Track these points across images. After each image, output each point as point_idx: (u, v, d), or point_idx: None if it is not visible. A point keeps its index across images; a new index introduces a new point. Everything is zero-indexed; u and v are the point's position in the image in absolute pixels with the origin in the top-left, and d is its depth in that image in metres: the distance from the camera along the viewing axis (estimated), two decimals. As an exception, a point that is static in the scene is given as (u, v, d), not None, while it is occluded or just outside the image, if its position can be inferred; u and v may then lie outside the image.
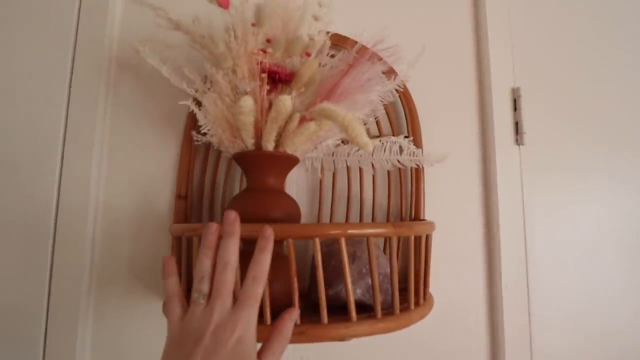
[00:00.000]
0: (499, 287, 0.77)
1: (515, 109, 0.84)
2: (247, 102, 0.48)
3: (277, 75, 0.57)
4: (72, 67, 0.74)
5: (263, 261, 0.43)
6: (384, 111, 0.75)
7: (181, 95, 0.63)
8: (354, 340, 0.50)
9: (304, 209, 0.76)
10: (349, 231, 0.50)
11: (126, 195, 0.74)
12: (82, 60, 0.75)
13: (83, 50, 0.75)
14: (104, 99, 0.75)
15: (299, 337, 0.47)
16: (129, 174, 0.74)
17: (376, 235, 0.52)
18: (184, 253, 0.57)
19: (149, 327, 0.70)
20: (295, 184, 0.76)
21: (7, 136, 0.71)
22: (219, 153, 0.75)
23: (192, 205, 0.73)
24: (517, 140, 0.83)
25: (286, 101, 0.50)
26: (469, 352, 0.77)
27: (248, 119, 0.51)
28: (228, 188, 0.74)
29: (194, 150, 0.73)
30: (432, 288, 0.70)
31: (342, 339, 0.48)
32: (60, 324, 0.67)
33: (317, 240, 0.49)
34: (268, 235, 0.45)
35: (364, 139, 0.44)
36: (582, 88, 0.90)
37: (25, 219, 0.69)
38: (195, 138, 0.68)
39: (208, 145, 0.74)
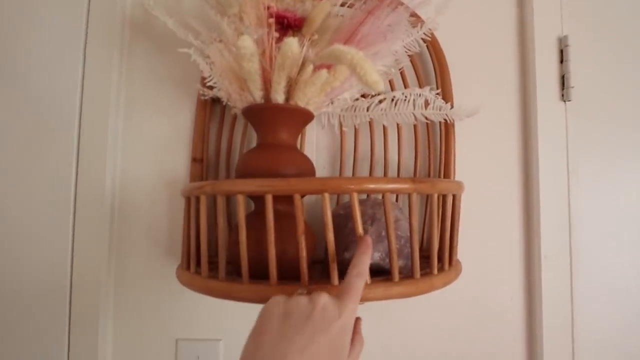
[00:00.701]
0: (538, 257, 0.70)
1: (562, 61, 0.74)
2: (246, 43, 0.44)
3: (285, 21, 0.52)
4: (87, 30, 0.73)
5: (365, 261, 0.43)
6: (409, 63, 0.69)
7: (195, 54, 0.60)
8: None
9: (324, 170, 0.72)
10: (363, 185, 0.45)
11: (143, 160, 0.73)
12: (96, 23, 0.73)
13: (97, 12, 0.73)
14: (119, 61, 0.73)
15: (305, 298, 0.43)
16: (146, 138, 0.73)
17: (393, 191, 0.47)
18: (193, 212, 0.55)
19: (167, 290, 0.70)
20: (315, 145, 0.72)
21: (24, 104, 0.71)
22: (235, 115, 0.71)
23: (209, 168, 0.71)
24: (562, 95, 0.74)
25: (292, 43, 0.45)
26: (502, 327, 0.71)
27: (252, 66, 0.47)
28: (245, 149, 0.71)
29: (210, 112, 0.71)
30: (463, 255, 0.65)
31: (352, 301, 0.44)
32: (83, 293, 0.68)
33: (327, 196, 0.45)
34: (368, 243, 0.45)
35: (374, 76, 0.39)
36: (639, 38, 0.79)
37: (45, 187, 0.69)
38: (202, 92, 0.65)
39: (224, 107, 0.71)
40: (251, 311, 0.68)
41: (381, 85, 0.40)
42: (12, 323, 0.67)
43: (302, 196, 0.51)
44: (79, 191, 0.70)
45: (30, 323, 0.67)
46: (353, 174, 0.69)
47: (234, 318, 0.70)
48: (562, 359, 0.69)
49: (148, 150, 0.73)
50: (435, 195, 0.51)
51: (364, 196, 0.67)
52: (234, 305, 0.69)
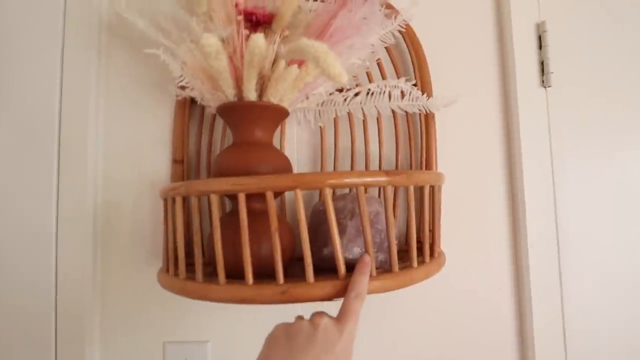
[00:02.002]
0: (525, 245, 0.70)
1: (540, 47, 0.74)
2: (210, 41, 0.43)
3: (254, 17, 0.52)
4: (64, 35, 0.72)
5: (363, 282, 0.44)
6: (386, 54, 0.68)
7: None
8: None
9: (305, 167, 0.72)
10: (335, 180, 0.45)
11: (124, 163, 0.72)
12: (72, 28, 0.72)
13: (73, 16, 0.72)
14: (97, 65, 0.72)
15: (280, 297, 0.43)
16: (126, 140, 0.73)
17: (367, 185, 0.46)
18: (170, 214, 0.55)
19: (153, 293, 0.69)
20: (296, 141, 0.72)
21: (3, 110, 0.70)
22: (214, 115, 0.71)
23: (190, 169, 0.71)
24: (543, 81, 0.73)
25: (259, 40, 0.45)
26: (492, 316, 0.71)
27: (220, 64, 0.47)
28: (225, 150, 0.70)
29: (189, 112, 0.70)
30: (450, 246, 0.65)
31: (328, 298, 0.44)
32: (68, 299, 0.67)
33: (299, 192, 0.45)
34: (367, 262, 0.46)
35: (337, 69, 0.39)
36: (618, 20, 0.77)
37: (26, 194, 0.69)
38: (175, 93, 0.64)
39: (203, 107, 0.71)
40: (236, 312, 0.69)
41: (344, 78, 0.39)
42: (-2, 333, 0.67)
43: (277, 194, 0.50)
44: (60, 197, 0.69)
45: (17, 331, 0.67)
46: (334, 169, 0.69)
47: (222, 319, 0.69)
48: (553, 346, 0.69)
49: (129, 153, 0.72)
50: (412, 187, 0.50)
51: (347, 190, 0.67)
52: (221, 307, 0.69)
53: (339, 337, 0.40)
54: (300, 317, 0.44)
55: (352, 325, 0.42)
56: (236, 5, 0.52)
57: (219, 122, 0.71)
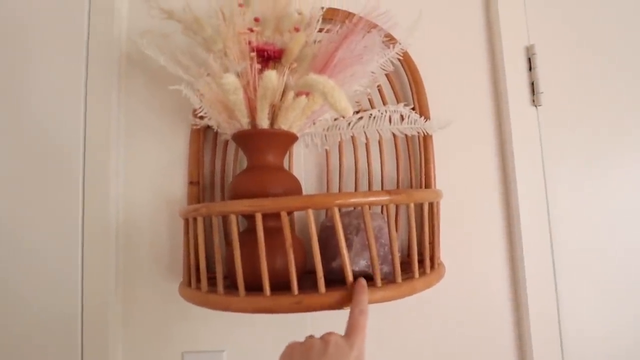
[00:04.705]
0: (521, 256, 0.74)
1: (530, 68, 0.79)
2: (229, 80, 0.49)
3: (266, 53, 0.57)
4: (87, 68, 0.78)
5: (364, 300, 0.48)
6: (386, 80, 0.74)
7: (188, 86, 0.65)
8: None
9: (312, 186, 0.76)
10: (343, 200, 0.50)
11: (144, 186, 0.77)
12: (95, 61, 0.78)
13: (95, 50, 0.78)
14: (117, 95, 0.78)
15: (295, 306, 0.48)
16: (145, 165, 0.78)
17: (370, 204, 0.51)
18: (192, 232, 0.60)
19: (172, 307, 0.74)
20: (303, 162, 0.77)
21: (31, 140, 0.76)
22: (227, 140, 0.76)
23: (205, 190, 0.76)
24: (533, 101, 0.79)
25: (271, 76, 0.50)
26: (491, 321, 0.75)
27: (237, 98, 0.52)
28: (237, 171, 0.76)
29: (203, 138, 0.75)
30: (450, 258, 0.69)
31: (339, 307, 0.49)
32: (93, 314, 0.72)
33: (310, 212, 0.50)
34: (363, 284, 0.50)
35: (343, 104, 0.44)
36: (604, 42, 0.83)
37: (54, 219, 0.74)
38: (193, 122, 0.70)
39: (216, 133, 0.76)
40: (250, 323, 0.74)
41: (350, 111, 0.45)
42: (26, 346, 0.71)
43: (289, 213, 0.55)
44: (86, 220, 0.74)
45: (46, 342, 0.71)
46: (339, 188, 0.74)
47: (236, 330, 0.74)
48: (551, 350, 0.73)
49: (148, 176, 0.78)
50: (412, 205, 0.55)
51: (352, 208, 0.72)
52: (235, 318, 0.74)
53: (350, 351, 0.42)
54: (311, 336, 0.46)
55: (360, 339, 0.44)
56: (249, 42, 0.58)
57: (231, 147, 0.77)
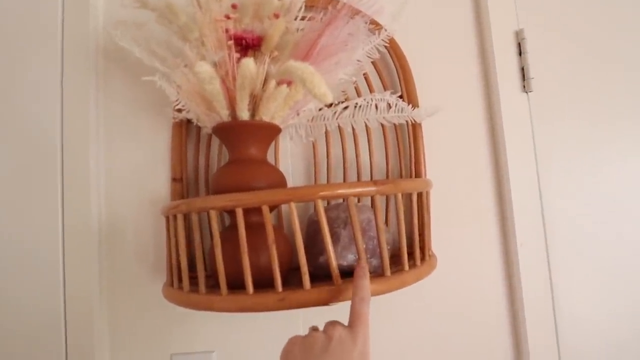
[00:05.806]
0: (514, 245, 0.73)
1: (520, 54, 0.77)
2: (203, 68, 0.46)
3: (244, 41, 0.55)
4: (62, 63, 0.75)
5: (364, 285, 0.45)
6: (373, 69, 0.71)
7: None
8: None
9: (300, 179, 0.74)
10: (321, 193, 0.48)
11: (126, 184, 0.75)
12: (70, 56, 0.75)
13: (70, 45, 0.75)
14: (95, 90, 0.75)
15: (279, 303, 0.46)
16: (127, 162, 0.75)
17: (357, 195, 0.49)
18: (172, 231, 0.57)
19: (159, 308, 0.72)
20: (290, 155, 0.74)
21: (6, 140, 0.73)
22: (210, 134, 0.74)
23: (189, 186, 0.73)
24: (524, 86, 0.77)
25: (249, 64, 0.48)
26: (485, 313, 0.73)
27: (214, 87, 0.50)
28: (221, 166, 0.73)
29: (186, 132, 0.73)
30: (442, 249, 0.67)
31: (325, 303, 0.47)
32: (77, 317, 0.69)
33: (294, 205, 0.47)
34: (363, 265, 0.48)
35: (322, 89, 0.42)
36: (595, 25, 0.81)
37: (32, 221, 0.71)
38: (173, 115, 0.67)
39: (199, 127, 0.73)
40: (241, 322, 0.71)
41: (329, 98, 0.42)
42: (7, 356, 0.69)
43: (273, 207, 0.53)
44: (66, 222, 0.71)
45: (27, 347, 0.69)
46: (327, 179, 0.72)
47: (226, 330, 0.72)
48: (546, 342, 0.72)
49: (130, 173, 0.75)
50: (400, 195, 0.53)
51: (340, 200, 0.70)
52: (225, 318, 0.71)
53: (354, 345, 0.40)
54: (314, 328, 0.45)
55: (364, 329, 0.42)
56: (226, 30, 0.56)
57: (215, 141, 0.74)
